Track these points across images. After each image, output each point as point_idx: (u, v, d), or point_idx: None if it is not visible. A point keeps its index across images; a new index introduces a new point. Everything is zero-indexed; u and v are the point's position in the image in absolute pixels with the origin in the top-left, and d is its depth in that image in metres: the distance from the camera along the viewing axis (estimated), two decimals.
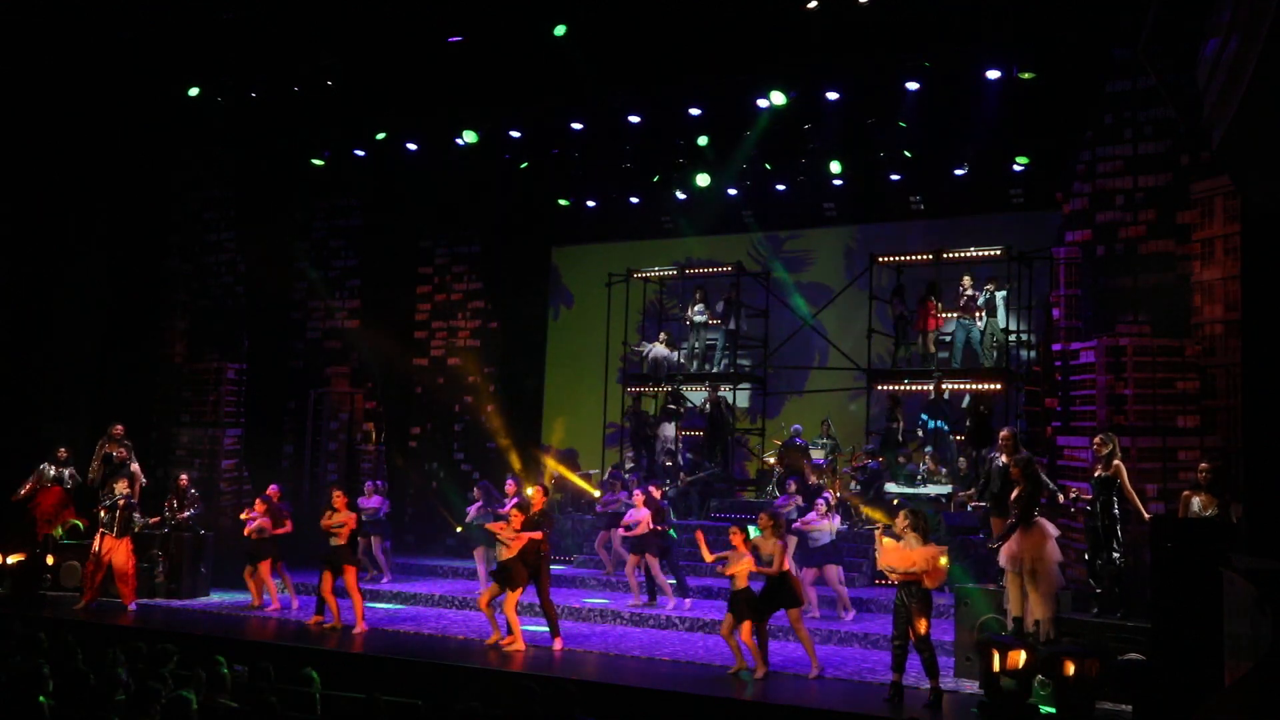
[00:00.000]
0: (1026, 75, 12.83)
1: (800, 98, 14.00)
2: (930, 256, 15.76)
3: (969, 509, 13.05)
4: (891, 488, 14.60)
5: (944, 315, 15.73)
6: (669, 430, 16.97)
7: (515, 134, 15.94)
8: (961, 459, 15.14)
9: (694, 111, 14.72)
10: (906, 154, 15.39)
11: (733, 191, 17.31)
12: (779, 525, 10.11)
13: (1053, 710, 8.60)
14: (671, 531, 13.20)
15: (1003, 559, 9.57)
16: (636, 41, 13.23)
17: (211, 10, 14.00)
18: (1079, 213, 12.76)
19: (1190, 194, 11.96)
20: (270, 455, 17.36)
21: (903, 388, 15.99)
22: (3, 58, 15.10)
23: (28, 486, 14.26)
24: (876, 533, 9.87)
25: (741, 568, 9.91)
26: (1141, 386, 11.72)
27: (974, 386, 15.27)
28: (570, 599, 13.05)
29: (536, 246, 19.55)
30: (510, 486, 14.22)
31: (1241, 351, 10.74)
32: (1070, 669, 8.57)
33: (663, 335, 17.69)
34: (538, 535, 11.02)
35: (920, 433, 15.79)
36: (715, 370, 17.27)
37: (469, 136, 15.79)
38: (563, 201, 18.18)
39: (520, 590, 10.96)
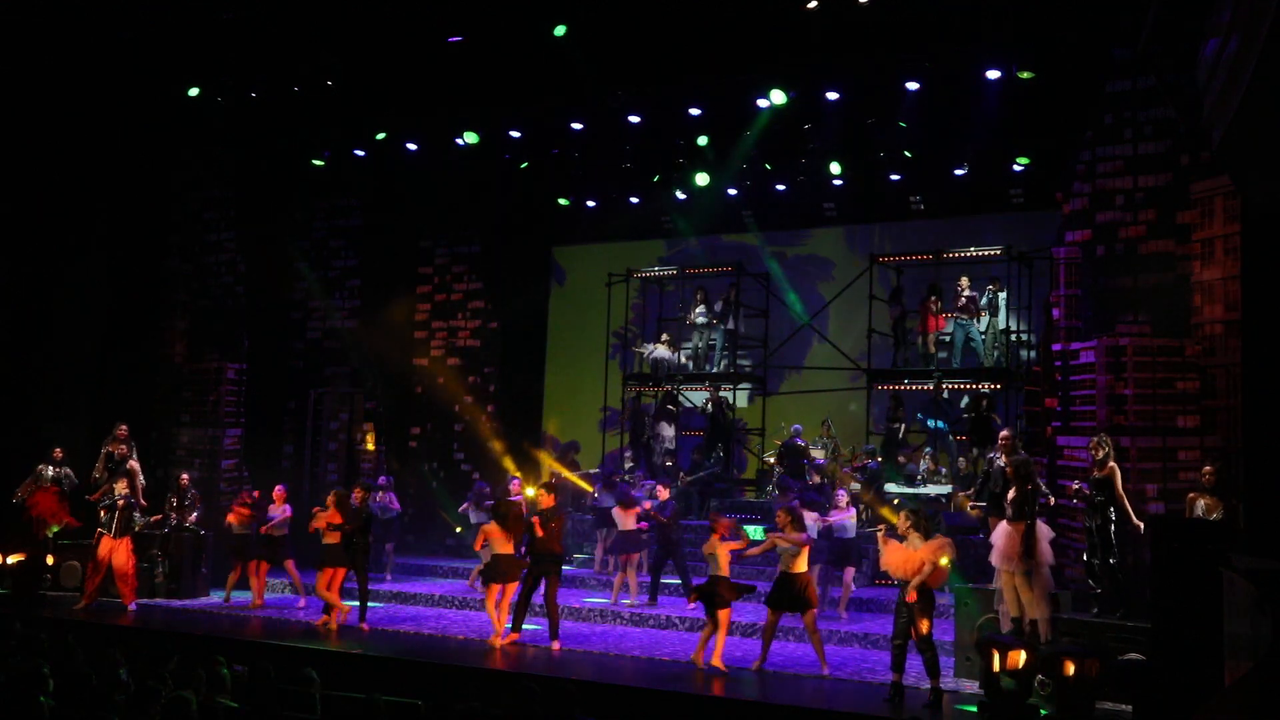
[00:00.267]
0: (1025, 75, 12.83)
1: (800, 98, 13.99)
2: (930, 256, 15.77)
3: (969, 510, 13.04)
4: (891, 488, 14.60)
5: (944, 316, 15.72)
6: (667, 430, 16.98)
7: (515, 134, 15.94)
8: (961, 459, 15.15)
9: (694, 111, 14.72)
10: (906, 154, 15.38)
11: (733, 191, 17.31)
12: (798, 520, 10.13)
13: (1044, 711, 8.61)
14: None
15: (996, 559, 9.57)
16: (636, 41, 13.23)
17: (211, 10, 14.00)
18: (1079, 213, 12.76)
19: (1190, 194, 11.96)
20: (270, 455, 17.36)
21: (903, 387, 16.02)
22: (3, 58, 15.10)
23: (25, 487, 14.26)
24: (879, 534, 9.88)
25: (723, 556, 10.07)
26: (1141, 386, 11.72)
27: (974, 386, 15.28)
28: (570, 599, 13.05)
29: (536, 246, 19.54)
30: (514, 486, 14.31)
31: (1241, 351, 10.74)
32: (1070, 669, 8.57)
33: (665, 336, 17.69)
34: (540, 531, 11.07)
35: (926, 430, 15.79)
36: (715, 370, 17.27)
37: (469, 137, 15.80)
38: (563, 201, 18.18)
39: (499, 586, 11.06)
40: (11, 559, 13.45)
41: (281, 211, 18.02)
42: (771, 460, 16.36)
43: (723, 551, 10.09)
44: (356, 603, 12.06)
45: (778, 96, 13.87)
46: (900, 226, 17.35)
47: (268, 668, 7.49)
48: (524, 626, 11.30)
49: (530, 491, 13.72)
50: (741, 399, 17.85)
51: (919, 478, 14.77)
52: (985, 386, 15.10)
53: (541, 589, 11.13)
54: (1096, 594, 9.87)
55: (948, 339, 15.77)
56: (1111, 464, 9.87)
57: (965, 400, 15.71)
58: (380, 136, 16.26)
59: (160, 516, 14.11)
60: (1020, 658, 8.72)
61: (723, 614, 10.03)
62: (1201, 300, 11.77)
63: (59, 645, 8.23)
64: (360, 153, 16.81)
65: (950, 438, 15.66)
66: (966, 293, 15.47)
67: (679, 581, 12.95)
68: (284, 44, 14.36)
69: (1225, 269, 11.47)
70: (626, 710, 8.82)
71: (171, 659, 7.57)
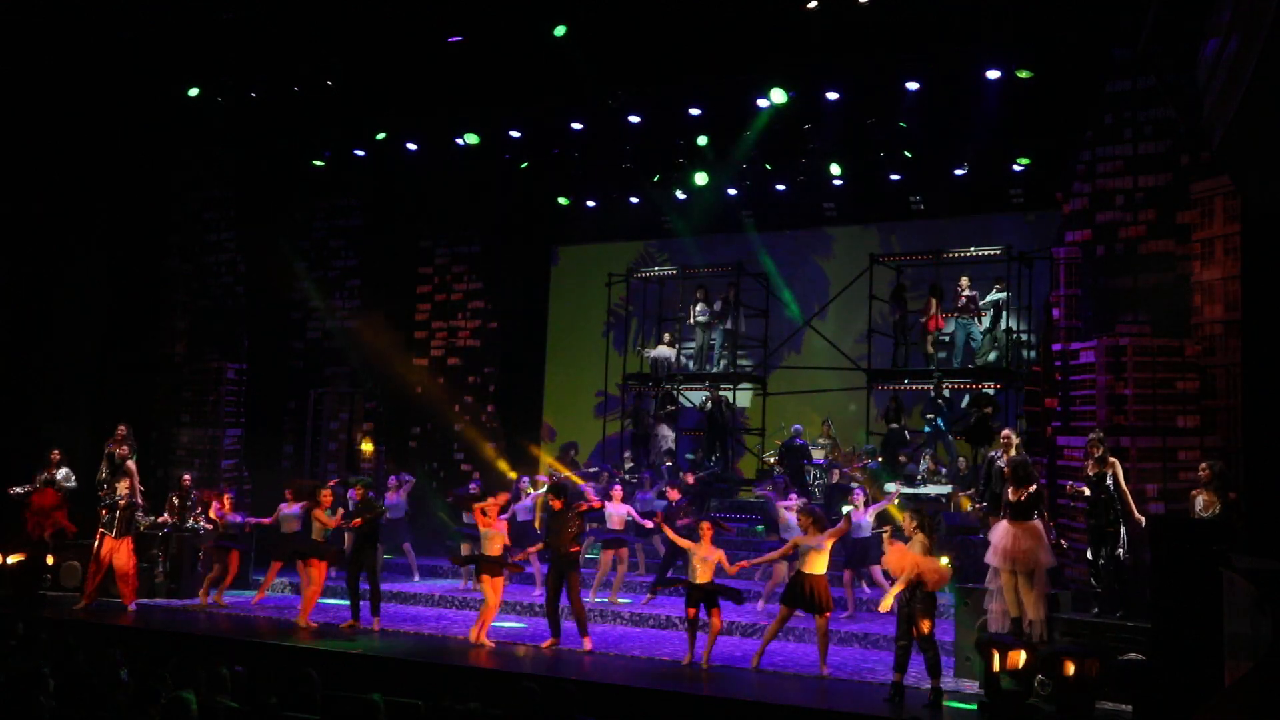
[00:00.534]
0: (1024, 74, 12.83)
1: (800, 98, 14.00)
2: (930, 256, 15.77)
3: (970, 510, 13.05)
4: (891, 488, 14.59)
5: (944, 316, 15.72)
6: (667, 430, 16.98)
7: (515, 134, 15.94)
8: (961, 459, 15.15)
9: (694, 111, 14.72)
10: (906, 154, 15.39)
11: (733, 191, 17.32)
12: (819, 522, 10.13)
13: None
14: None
15: (995, 559, 9.56)
16: (636, 41, 13.23)
17: (211, 10, 14.00)
18: (1079, 213, 12.76)
19: (1190, 194, 11.96)
20: (270, 455, 17.37)
21: (903, 387, 16.02)
22: (3, 58, 15.10)
23: (25, 488, 14.27)
24: (884, 535, 9.89)
25: (709, 561, 10.14)
26: (1141, 386, 11.71)
27: (974, 386, 15.28)
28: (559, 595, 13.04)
29: (536, 246, 19.56)
30: (524, 484, 14.35)
31: (1241, 351, 10.75)
32: (1070, 669, 8.57)
33: (666, 336, 17.69)
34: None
35: (927, 429, 15.80)
36: (715, 370, 17.28)
37: (469, 138, 15.81)
38: (563, 200, 18.18)
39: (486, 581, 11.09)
40: (11, 559, 13.44)
41: (281, 211, 18.03)
42: (772, 460, 16.37)
43: (709, 558, 10.18)
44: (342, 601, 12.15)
45: (778, 96, 13.87)
46: (900, 226, 17.36)
47: (268, 668, 7.49)
48: (507, 625, 11.29)
49: (538, 492, 13.83)
50: (742, 399, 17.86)
51: (919, 478, 14.76)
52: (986, 387, 15.09)
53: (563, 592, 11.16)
54: (1098, 593, 9.86)
55: (947, 339, 15.76)
56: (1111, 459, 9.87)
57: (966, 400, 15.71)
58: (380, 136, 16.27)
59: (165, 518, 14.12)
60: (1020, 658, 8.72)
61: (713, 614, 10.10)
62: (1201, 300, 11.77)
63: (59, 645, 8.22)
64: (360, 153, 16.81)
65: (950, 437, 15.66)
66: (966, 292, 15.46)
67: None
68: (284, 44, 14.37)
69: (1225, 269, 11.46)
70: (626, 710, 8.81)
71: (171, 659, 7.57)
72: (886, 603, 9.28)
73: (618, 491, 13.46)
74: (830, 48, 12.83)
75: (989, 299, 15.37)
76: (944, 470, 14.96)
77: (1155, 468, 11.41)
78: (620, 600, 13.07)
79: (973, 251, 15.53)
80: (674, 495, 13.52)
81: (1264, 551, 7.98)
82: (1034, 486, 9.53)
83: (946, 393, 15.52)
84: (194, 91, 15.44)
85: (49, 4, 14.42)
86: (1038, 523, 9.51)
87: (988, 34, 12.40)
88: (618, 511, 13.15)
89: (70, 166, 16.89)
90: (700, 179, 16.24)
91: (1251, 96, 7.07)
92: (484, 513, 11.35)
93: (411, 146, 16.38)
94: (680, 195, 17.40)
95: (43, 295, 17.21)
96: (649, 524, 13.15)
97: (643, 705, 8.99)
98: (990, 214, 16.46)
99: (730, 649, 10.70)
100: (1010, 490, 9.59)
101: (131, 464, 14.03)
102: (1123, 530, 9.77)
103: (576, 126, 15.43)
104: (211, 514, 13.71)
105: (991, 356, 15.37)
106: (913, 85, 13.45)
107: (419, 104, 15.21)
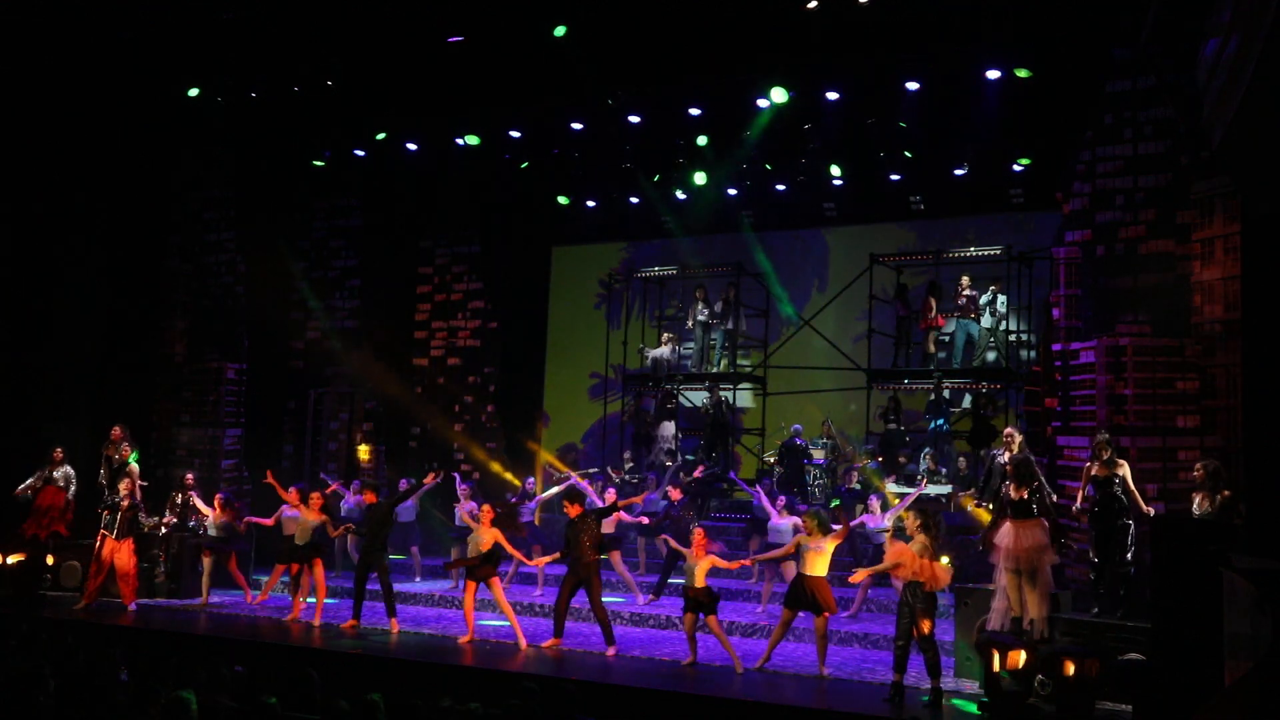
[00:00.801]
0: (1023, 73, 12.83)
1: (800, 98, 14.00)
2: (930, 256, 15.77)
3: (973, 509, 13.06)
4: (891, 488, 14.60)
5: (944, 316, 15.72)
6: (668, 430, 16.98)
7: (515, 134, 15.94)
8: (961, 459, 15.15)
9: (694, 111, 14.73)
10: (907, 154, 15.39)
11: (732, 191, 17.31)
12: (823, 525, 10.14)
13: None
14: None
15: (1000, 558, 9.57)
16: (636, 41, 13.23)
17: (211, 10, 14.00)
18: (1079, 213, 12.76)
19: (1190, 194, 11.96)
20: (270, 455, 17.33)
21: (903, 387, 16.01)
22: (3, 57, 15.10)
23: (30, 485, 14.26)
24: (887, 535, 9.89)
25: (701, 566, 10.19)
26: (1141, 386, 11.72)
27: (975, 386, 15.29)
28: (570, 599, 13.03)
29: (536, 246, 19.55)
30: (530, 486, 14.38)
31: (1241, 351, 10.74)
32: (1070, 669, 8.57)
33: (666, 336, 17.69)
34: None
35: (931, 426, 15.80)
36: (715, 370, 17.27)
37: (470, 140, 15.80)
38: (562, 200, 18.18)
39: (476, 585, 11.19)
40: (11, 559, 13.45)
41: (281, 211, 18.02)
42: (771, 460, 16.37)
43: (703, 564, 10.23)
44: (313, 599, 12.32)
45: (778, 96, 13.87)
46: (900, 226, 17.35)
47: (268, 668, 7.50)
48: (489, 623, 11.30)
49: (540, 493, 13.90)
50: (742, 399, 17.85)
51: (919, 478, 14.77)
52: (986, 387, 15.10)
53: (575, 596, 11.15)
54: (1099, 594, 9.85)
55: (947, 339, 15.76)
56: (1120, 461, 9.87)
57: (966, 400, 15.71)
58: (380, 136, 16.27)
59: (170, 519, 14.13)
60: (1020, 658, 8.72)
61: (710, 619, 10.13)
62: (1201, 300, 11.76)
63: (59, 645, 8.22)
64: (360, 153, 16.81)
65: (950, 438, 15.65)
66: (966, 292, 15.47)
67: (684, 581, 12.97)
68: (284, 44, 14.36)
69: (1225, 269, 11.46)
70: (626, 710, 8.81)
71: (171, 659, 7.58)
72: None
73: (611, 495, 13.46)
74: (830, 48, 12.83)
75: (983, 300, 15.38)
76: (944, 470, 14.97)
77: (1155, 468, 11.41)
78: (613, 599, 13.07)
79: (973, 251, 15.53)
80: (675, 495, 13.57)
81: (1264, 551, 7.96)
82: (1036, 485, 9.53)
83: (946, 393, 15.52)
84: (194, 91, 15.44)
85: (49, 4, 14.42)
86: (1040, 521, 9.51)
87: (988, 34, 12.40)
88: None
89: (70, 166, 16.88)
90: (700, 179, 16.23)
91: (1251, 96, 7.06)
92: (473, 516, 11.43)
93: (411, 146, 16.38)
94: (680, 195, 17.40)
95: (43, 295, 17.21)
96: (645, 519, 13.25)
97: (643, 705, 8.99)
98: (990, 214, 16.45)
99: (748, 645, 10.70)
100: (1012, 488, 9.59)
101: (134, 465, 14.03)
102: (1130, 533, 9.75)
103: (576, 126, 15.43)
104: (205, 513, 13.74)
105: (991, 356, 15.38)
106: (913, 85, 13.46)
107: (419, 104, 15.20)
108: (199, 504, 14.00)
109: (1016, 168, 15.33)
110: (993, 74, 12.97)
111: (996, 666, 8.70)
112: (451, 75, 14.26)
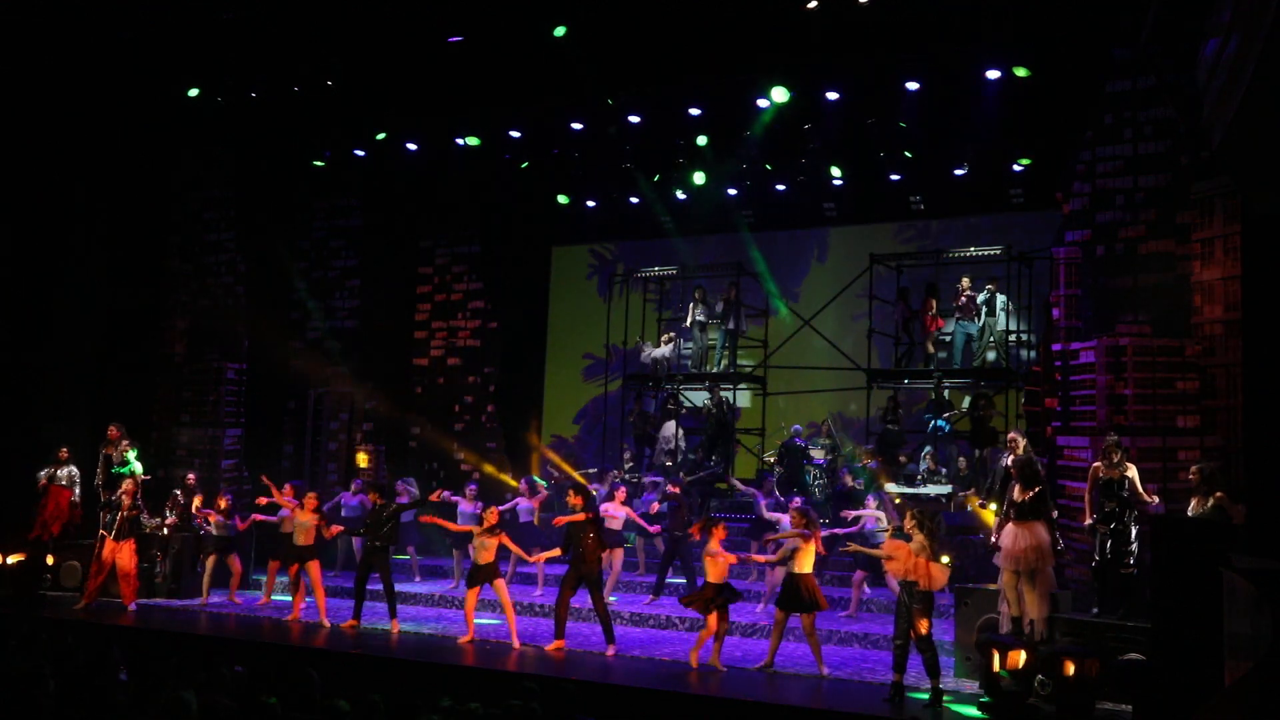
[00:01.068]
0: (1022, 73, 12.83)
1: (800, 98, 14.00)
2: (930, 256, 15.76)
3: (977, 508, 13.06)
4: (891, 488, 14.59)
5: (944, 316, 15.72)
6: (669, 429, 16.97)
7: (515, 134, 15.94)
8: (961, 459, 15.13)
9: (694, 111, 14.72)
10: (907, 154, 15.38)
11: (732, 191, 17.31)
12: (811, 523, 10.13)
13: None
14: (630, 537, 13.67)
15: (1002, 559, 9.57)
16: (636, 41, 13.23)
17: (211, 10, 14.00)
18: (1079, 213, 12.76)
19: (1190, 194, 11.95)
20: (270, 455, 17.36)
21: (903, 387, 16.01)
22: (3, 57, 15.10)
23: (44, 473, 14.26)
24: (886, 535, 9.89)
25: (719, 565, 10.13)
26: (1141, 386, 11.71)
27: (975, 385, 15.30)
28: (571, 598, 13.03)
29: (536, 246, 19.54)
30: (523, 488, 14.37)
31: (1241, 351, 10.74)
32: (1070, 669, 8.57)
33: (665, 336, 17.68)
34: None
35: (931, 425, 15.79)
36: (715, 370, 17.26)
37: (470, 140, 15.80)
38: (562, 199, 18.17)
39: (478, 589, 11.22)
40: (11, 559, 13.45)
41: (281, 211, 18.02)
42: (771, 460, 16.36)
43: (718, 557, 10.17)
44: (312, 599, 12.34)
45: (778, 95, 13.87)
46: (900, 226, 17.34)
47: (268, 668, 7.50)
48: (480, 621, 11.35)
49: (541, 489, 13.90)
50: (742, 399, 17.85)
51: (919, 478, 14.76)
52: (984, 386, 15.10)
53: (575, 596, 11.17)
54: (1099, 594, 9.84)
55: (947, 339, 15.76)
56: (1128, 463, 9.87)
57: (966, 400, 15.69)
58: (380, 136, 16.27)
59: (172, 520, 14.12)
60: (1020, 658, 8.72)
61: (711, 618, 10.07)
62: (1201, 300, 11.75)
63: (59, 645, 8.22)
64: (360, 153, 16.81)
65: (950, 437, 15.64)
66: (967, 292, 15.46)
67: (683, 580, 12.98)
68: (284, 44, 14.37)
69: (1225, 269, 11.45)
70: (626, 710, 8.81)
71: (171, 659, 7.58)
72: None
73: (621, 493, 13.48)
74: (830, 48, 12.83)
75: (980, 299, 15.38)
76: (944, 470, 14.96)
77: (1155, 468, 11.39)
78: (610, 598, 13.07)
79: (973, 251, 15.52)
80: (674, 489, 13.58)
81: (1264, 551, 7.97)
82: (1040, 487, 9.53)
83: (946, 394, 15.51)
84: (194, 91, 15.44)
85: (49, 4, 14.42)
86: (1042, 523, 9.51)
87: (988, 34, 12.40)
88: (618, 513, 13.16)
89: (70, 166, 16.89)
90: (700, 179, 16.23)
91: (1251, 96, 7.07)
92: (476, 518, 11.43)
93: (411, 146, 16.38)
94: (680, 195, 17.40)
95: (43, 295, 17.21)
96: (655, 528, 13.27)
97: (643, 705, 9.00)
98: (990, 214, 16.44)
99: (730, 649, 10.69)
100: (1016, 490, 9.59)
101: (138, 468, 14.01)
102: (1134, 535, 9.74)
103: (576, 126, 15.43)
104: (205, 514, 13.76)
105: (991, 356, 15.37)
106: (913, 85, 13.46)
107: (419, 104, 15.21)
108: (200, 509, 13.97)
109: (1016, 168, 15.32)
110: (992, 74, 12.96)
111: (996, 666, 8.70)
112: (451, 75, 14.26)
